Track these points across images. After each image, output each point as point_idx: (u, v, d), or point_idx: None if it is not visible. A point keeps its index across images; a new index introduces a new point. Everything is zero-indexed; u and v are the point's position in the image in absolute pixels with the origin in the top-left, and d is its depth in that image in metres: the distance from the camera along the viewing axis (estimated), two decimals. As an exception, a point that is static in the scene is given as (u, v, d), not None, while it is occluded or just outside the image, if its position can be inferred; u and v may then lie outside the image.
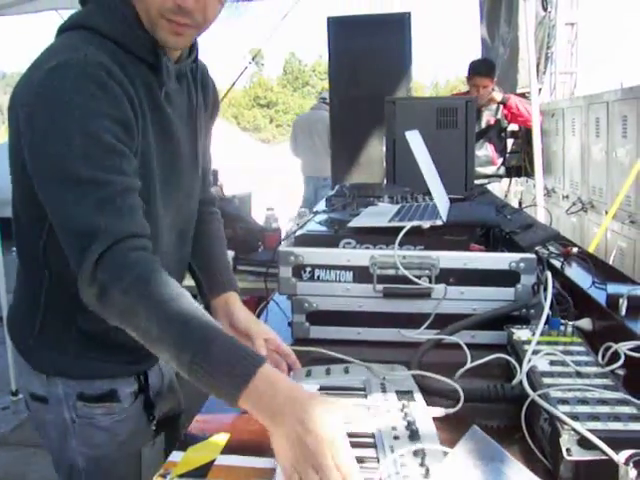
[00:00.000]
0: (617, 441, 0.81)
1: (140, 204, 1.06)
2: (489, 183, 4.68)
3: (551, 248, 1.66)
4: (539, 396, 0.94)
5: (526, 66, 5.47)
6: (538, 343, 1.15)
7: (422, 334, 1.33)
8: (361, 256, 1.38)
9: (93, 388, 1.25)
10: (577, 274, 1.52)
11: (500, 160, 5.02)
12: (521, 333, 1.22)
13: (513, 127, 5.69)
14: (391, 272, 1.36)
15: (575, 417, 0.87)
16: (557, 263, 1.52)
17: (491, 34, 7.13)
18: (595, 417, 0.88)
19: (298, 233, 1.50)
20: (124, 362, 1.28)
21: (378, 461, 0.85)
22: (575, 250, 1.62)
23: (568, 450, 0.82)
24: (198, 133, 1.30)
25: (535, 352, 1.10)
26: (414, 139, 1.43)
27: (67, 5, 4.43)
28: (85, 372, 1.24)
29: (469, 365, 1.17)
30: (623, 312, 1.23)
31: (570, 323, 1.21)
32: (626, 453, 0.75)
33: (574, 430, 0.84)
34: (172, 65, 1.19)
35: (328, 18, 3.95)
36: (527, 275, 1.34)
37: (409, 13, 3.78)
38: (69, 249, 1.03)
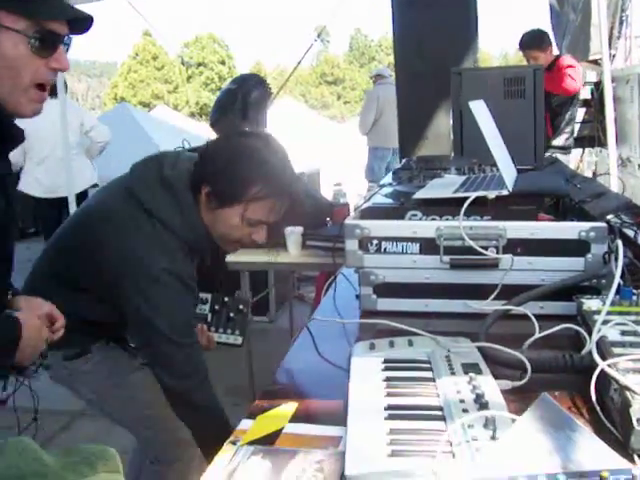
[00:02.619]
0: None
1: None
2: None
3: (624, 217, 1.61)
4: (609, 366, 0.92)
5: (598, 32, 5.24)
6: (609, 313, 1.12)
7: (490, 305, 1.32)
8: (427, 227, 1.37)
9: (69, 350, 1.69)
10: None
11: (564, 131, 4.83)
12: (591, 303, 1.19)
13: (585, 95, 5.47)
14: (458, 243, 1.35)
15: (646, 387, 0.85)
16: (630, 233, 1.47)
17: (560, 0, 6.85)
18: (668, 387, 0.85)
19: (364, 206, 1.51)
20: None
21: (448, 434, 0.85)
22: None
23: (639, 420, 0.81)
24: None
25: (605, 322, 1.08)
26: (479, 109, 1.40)
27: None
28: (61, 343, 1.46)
29: (537, 336, 1.15)
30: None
31: (642, 292, 1.17)
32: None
33: (648, 401, 0.82)
34: None
35: (392, -5, 3.91)
36: (597, 244, 1.30)
37: (475, -17, 3.70)
38: None
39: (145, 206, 1.57)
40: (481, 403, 0.90)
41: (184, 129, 9.87)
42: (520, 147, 2.50)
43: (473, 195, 1.32)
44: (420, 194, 1.46)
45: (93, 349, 1.76)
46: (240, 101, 4.16)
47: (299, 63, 9.40)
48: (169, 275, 1.53)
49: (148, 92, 30.39)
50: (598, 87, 5.45)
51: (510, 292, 1.33)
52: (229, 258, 2.97)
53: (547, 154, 4.41)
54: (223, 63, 36.28)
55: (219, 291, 1.88)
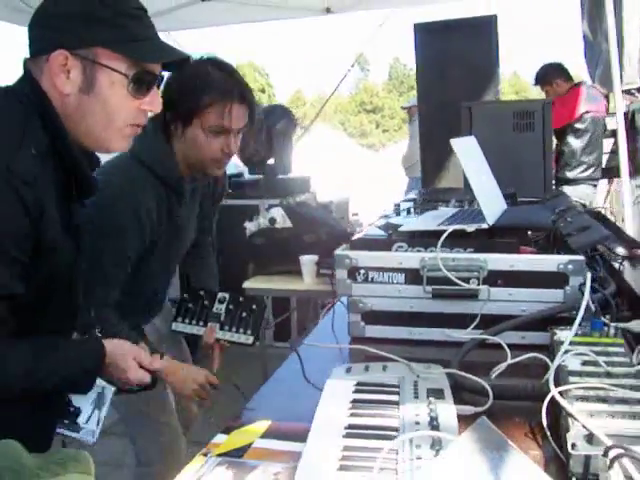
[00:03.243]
0: (623, 438, 0.83)
1: None
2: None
3: (619, 250, 1.65)
4: (560, 393, 0.97)
5: (631, 61, 5.28)
6: (578, 344, 1.16)
7: (469, 334, 1.37)
8: (411, 259, 1.44)
9: None
10: (637, 276, 1.50)
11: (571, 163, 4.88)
12: (563, 334, 1.24)
13: (613, 126, 5.47)
14: (440, 274, 1.41)
15: (590, 414, 0.90)
16: (615, 264, 1.51)
17: (593, 30, 6.86)
18: (610, 415, 0.90)
19: (355, 237, 1.58)
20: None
21: (397, 453, 0.91)
22: (641, 252, 1.60)
23: (573, 445, 0.85)
24: (194, 216, 1.91)
25: (571, 352, 1.12)
26: (462, 145, 1.47)
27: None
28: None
29: (505, 364, 1.20)
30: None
31: (613, 325, 1.22)
32: (616, 451, 0.77)
33: (584, 426, 0.86)
34: (188, 185, 1.77)
35: (415, 25, 4.00)
36: (575, 277, 1.35)
37: (495, 15, 3.76)
38: None
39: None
40: (433, 425, 0.95)
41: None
42: (529, 179, 2.55)
43: (450, 228, 1.38)
44: (406, 226, 1.52)
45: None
46: (265, 131, 4.30)
47: (334, 91, 9.57)
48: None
49: (190, 119, 31.04)
50: (627, 118, 5.45)
51: (493, 322, 1.38)
52: (247, 284, 3.07)
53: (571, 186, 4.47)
54: (263, 91, 36.91)
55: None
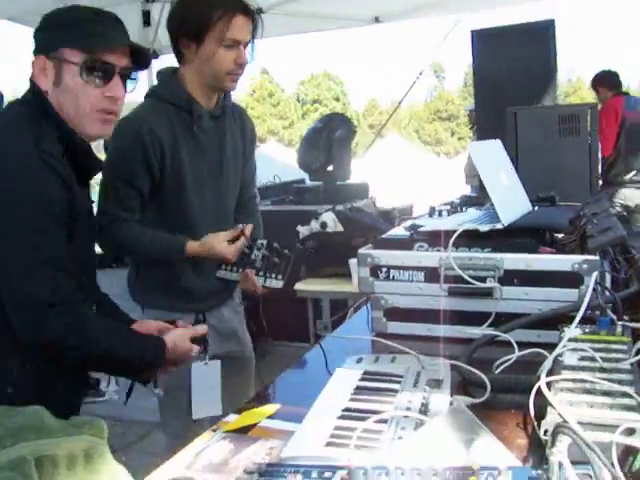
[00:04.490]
0: (593, 426, 0.87)
1: None
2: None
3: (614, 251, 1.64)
4: (547, 385, 1.01)
5: None
6: (582, 341, 1.19)
7: (484, 332, 1.41)
8: (430, 258, 1.49)
9: (163, 316, 1.77)
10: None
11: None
12: (572, 332, 1.26)
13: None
14: (458, 273, 1.46)
15: (570, 404, 0.94)
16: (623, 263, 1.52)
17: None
18: (590, 405, 0.93)
19: (381, 237, 1.65)
20: (184, 301, 1.97)
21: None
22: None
23: (546, 431, 0.89)
24: (225, 148, 1.99)
25: (569, 347, 1.15)
26: (482, 149, 1.51)
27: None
28: (156, 304, 1.96)
29: (507, 358, 1.24)
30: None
31: (620, 323, 1.23)
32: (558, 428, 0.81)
33: (559, 414, 0.91)
34: (204, 110, 1.91)
35: (472, 31, 4.01)
36: (590, 276, 1.36)
37: (553, 20, 3.72)
38: None
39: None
40: (421, 411, 1.01)
41: (287, 163, 10.28)
42: (575, 183, 2.54)
43: (461, 228, 1.42)
44: (426, 227, 1.58)
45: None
46: (325, 139, 4.41)
47: (404, 97, 9.56)
48: None
49: (264, 128, 31.74)
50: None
51: (509, 320, 1.42)
52: (299, 286, 3.17)
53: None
54: (337, 100, 37.20)
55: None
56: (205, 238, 1.90)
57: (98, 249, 1.75)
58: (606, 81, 5.18)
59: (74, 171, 1.36)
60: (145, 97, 1.94)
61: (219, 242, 1.90)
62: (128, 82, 1.43)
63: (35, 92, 1.38)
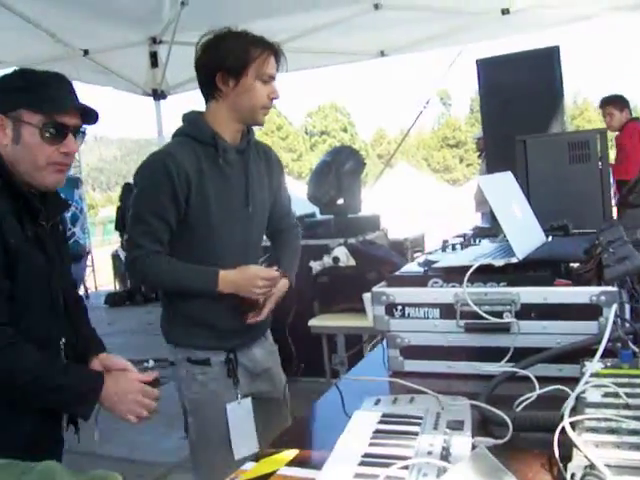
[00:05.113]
0: (621, 468, 0.84)
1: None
2: None
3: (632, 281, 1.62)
4: (571, 424, 0.99)
5: None
6: (604, 376, 1.17)
7: (502, 367, 1.39)
8: (445, 294, 1.48)
9: (196, 355, 2.05)
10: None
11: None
12: (593, 366, 1.24)
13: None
14: (474, 309, 1.44)
15: (596, 445, 0.91)
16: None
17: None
18: (615, 446, 0.91)
19: (395, 274, 1.63)
20: (215, 339, 2.04)
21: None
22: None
23: (573, 475, 0.87)
24: (251, 181, 2.08)
25: (592, 384, 1.13)
26: (492, 181, 1.50)
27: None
28: (191, 344, 2.05)
29: (530, 397, 1.21)
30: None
31: (643, 356, 1.21)
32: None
33: (585, 456, 0.88)
34: (228, 144, 2.02)
35: (477, 60, 4.03)
36: (609, 308, 1.34)
37: (557, 47, 3.75)
38: None
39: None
40: (443, 455, 0.99)
41: (297, 196, 10.32)
42: (588, 210, 2.52)
43: (477, 264, 1.41)
44: (441, 263, 1.56)
45: (213, 363, 2.06)
46: (334, 173, 4.42)
47: (412, 126, 9.61)
48: None
49: (273, 161, 31.90)
50: None
51: (527, 355, 1.39)
52: (312, 322, 3.15)
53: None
54: (345, 131, 37.47)
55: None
56: (250, 267, 2.01)
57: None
58: (616, 102, 5.31)
59: (26, 213, 1.52)
60: (172, 137, 2.09)
61: (262, 270, 2.03)
62: (78, 137, 1.59)
63: None
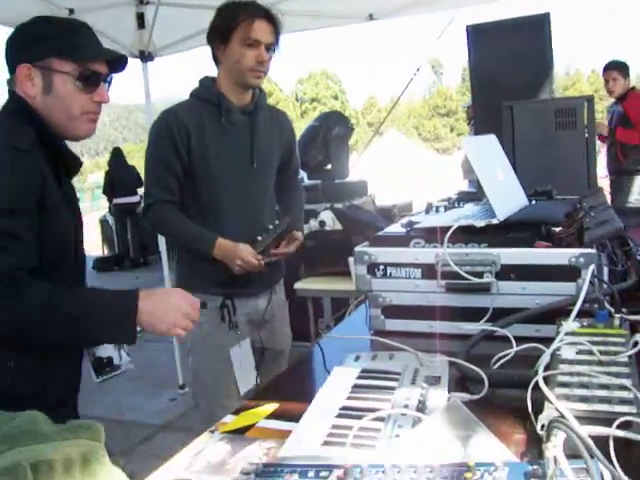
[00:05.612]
0: (590, 420, 0.87)
1: None
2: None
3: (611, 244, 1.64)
4: (544, 379, 1.01)
5: None
6: (580, 334, 1.19)
7: (482, 327, 1.41)
8: (427, 254, 1.49)
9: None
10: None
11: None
12: (570, 325, 1.26)
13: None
14: (455, 269, 1.45)
15: (567, 398, 0.94)
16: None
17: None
18: (585, 399, 0.93)
19: (377, 234, 1.64)
20: (212, 285, 2.14)
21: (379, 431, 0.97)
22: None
23: (542, 426, 0.89)
24: (257, 140, 2.22)
25: (567, 342, 1.15)
26: (476, 144, 1.50)
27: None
28: (189, 286, 1.89)
29: (506, 355, 1.24)
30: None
31: (617, 316, 1.23)
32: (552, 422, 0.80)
33: (556, 409, 0.90)
34: (233, 105, 2.18)
35: (467, 27, 3.99)
36: (587, 270, 1.36)
37: (548, 13, 3.71)
38: None
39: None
40: (419, 408, 1.01)
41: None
42: (572, 177, 2.53)
43: (457, 224, 1.42)
44: (422, 223, 1.57)
45: (209, 307, 2.08)
46: (322, 138, 4.40)
47: (402, 94, 9.54)
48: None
49: (263, 128, 31.65)
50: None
51: (507, 315, 1.41)
52: (298, 285, 3.16)
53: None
54: (336, 98, 37.17)
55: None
56: (239, 246, 2.10)
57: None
58: (622, 68, 5.30)
59: (53, 169, 1.46)
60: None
61: (246, 254, 2.10)
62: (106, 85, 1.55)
63: (14, 97, 1.46)
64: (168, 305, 1.45)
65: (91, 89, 1.47)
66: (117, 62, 1.54)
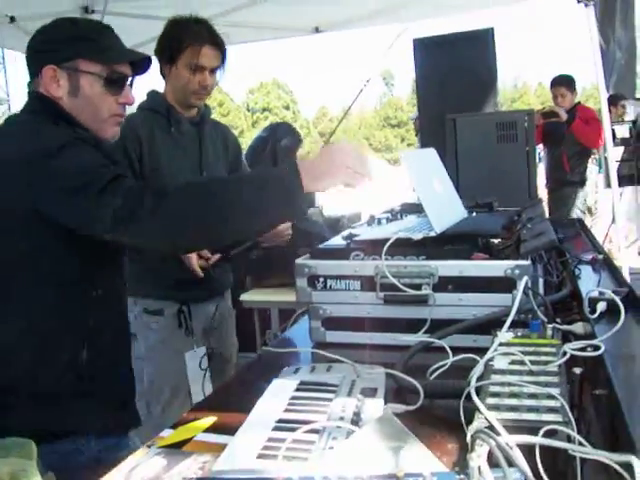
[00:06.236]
0: (515, 428, 0.89)
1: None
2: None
3: (582, 256, 1.70)
4: (475, 389, 1.03)
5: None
6: (513, 345, 1.22)
7: (419, 338, 1.42)
8: (366, 266, 1.50)
9: (152, 305, 2.24)
10: (588, 280, 1.55)
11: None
12: (504, 336, 1.29)
13: (624, 134, 5.53)
14: (394, 281, 1.47)
15: (497, 408, 0.95)
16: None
17: (606, 38, 6.88)
18: (514, 409, 0.95)
19: (318, 247, 1.65)
20: (167, 289, 2.22)
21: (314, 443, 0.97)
22: (601, 257, 1.65)
23: (472, 436, 0.91)
24: (205, 150, 2.29)
25: (500, 352, 1.17)
26: (414, 157, 1.53)
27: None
28: (145, 293, 2.20)
29: (439, 365, 1.26)
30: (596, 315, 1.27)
31: (550, 326, 1.26)
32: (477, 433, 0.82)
33: (486, 418, 0.92)
34: (181, 115, 2.26)
35: (413, 40, 4.07)
36: (523, 281, 1.39)
37: (492, 28, 3.81)
38: None
39: None
40: (353, 420, 1.01)
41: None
42: (513, 189, 2.60)
43: (395, 236, 1.44)
44: (362, 236, 1.59)
45: (166, 314, 2.26)
46: (270, 148, 4.40)
47: (352, 104, 9.63)
48: None
49: (215, 137, 31.49)
50: (635, 125, 5.50)
51: (444, 326, 1.43)
52: (244, 297, 3.15)
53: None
54: (288, 108, 37.26)
55: None
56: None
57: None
58: (569, 83, 5.48)
59: None
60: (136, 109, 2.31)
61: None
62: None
63: (42, 99, 1.45)
64: (332, 165, 1.39)
65: (117, 91, 1.48)
66: (140, 63, 1.55)
